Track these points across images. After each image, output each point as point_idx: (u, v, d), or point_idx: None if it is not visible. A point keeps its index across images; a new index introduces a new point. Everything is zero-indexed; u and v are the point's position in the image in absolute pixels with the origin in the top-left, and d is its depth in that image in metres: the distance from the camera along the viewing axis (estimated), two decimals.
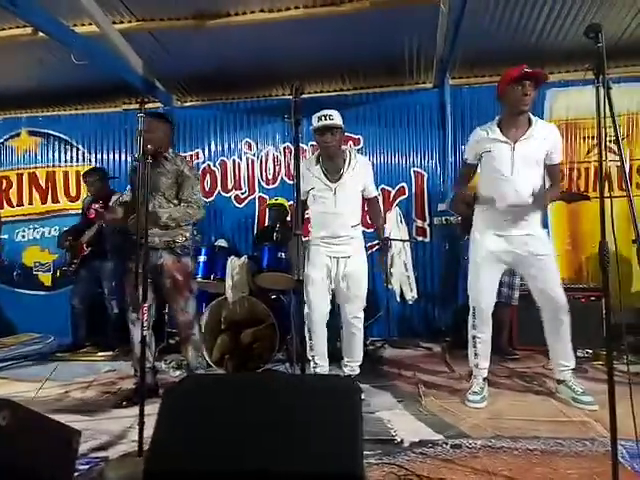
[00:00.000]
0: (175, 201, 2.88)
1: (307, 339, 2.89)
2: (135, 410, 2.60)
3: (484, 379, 2.80)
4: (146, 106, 5.40)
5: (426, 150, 4.90)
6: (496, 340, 2.98)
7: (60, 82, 4.89)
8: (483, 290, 2.74)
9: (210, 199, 5.10)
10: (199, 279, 3.64)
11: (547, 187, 2.71)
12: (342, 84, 5.15)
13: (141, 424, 1.97)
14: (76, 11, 3.68)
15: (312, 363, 2.93)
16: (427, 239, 4.81)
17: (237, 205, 5.12)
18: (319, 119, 2.79)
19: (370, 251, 4.68)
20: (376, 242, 4.67)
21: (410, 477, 1.88)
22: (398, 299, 4.38)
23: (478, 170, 2.82)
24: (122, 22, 4.02)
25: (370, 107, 4.95)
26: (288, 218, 4.46)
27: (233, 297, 3.53)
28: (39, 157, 5.41)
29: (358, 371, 2.97)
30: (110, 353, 4.16)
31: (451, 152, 4.80)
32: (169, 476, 1.08)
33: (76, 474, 1.70)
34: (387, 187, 4.87)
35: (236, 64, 4.61)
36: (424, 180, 4.87)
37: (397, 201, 4.83)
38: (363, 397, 2.81)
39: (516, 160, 2.60)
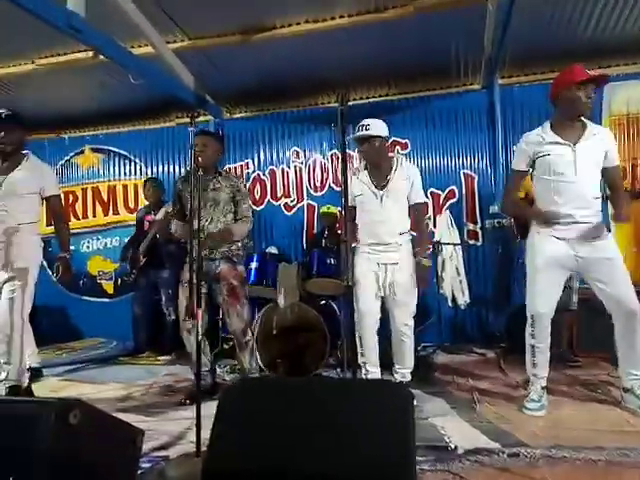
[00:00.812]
0: (230, 215, 3.01)
1: (358, 346, 2.89)
2: (193, 412, 2.73)
3: (543, 387, 2.69)
4: (198, 119, 5.62)
5: (476, 152, 4.81)
6: (555, 346, 2.86)
7: (119, 101, 5.19)
8: (541, 297, 2.61)
9: (260, 207, 5.23)
10: (252, 286, 3.75)
11: (611, 193, 2.62)
12: (388, 89, 5.15)
13: (198, 426, 2.04)
14: (133, 34, 3.90)
15: (363, 370, 2.94)
16: (479, 242, 4.71)
17: (286, 213, 5.21)
18: (357, 129, 2.83)
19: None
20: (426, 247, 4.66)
21: None
22: (450, 304, 4.30)
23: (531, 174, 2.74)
24: (175, 42, 4.22)
25: (417, 111, 4.92)
26: (337, 225, 4.50)
27: (284, 303, 3.60)
28: (101, 172, 5.74)
29: (410, 377, 2.95)
30: (168, 357, 4.33)
31: (502, 152, 4.68)
32: (225, 475, 1.12)
33: (139, 472, 1.79)
34: (436, 190, 4.81)
35: (282, 75, 4.72)
36: (474, 182, 4.77)
37: (447, 204, 4.76)
38: (415, 403, 2.79)
39: (578, 162, 2.51)
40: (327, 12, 3.86)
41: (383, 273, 2.87)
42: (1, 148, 2.92)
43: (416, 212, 2.98)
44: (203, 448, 1.98)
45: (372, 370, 2.92)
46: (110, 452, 1.48)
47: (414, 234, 3.01)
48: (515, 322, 3.11)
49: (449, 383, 3.29)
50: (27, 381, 2.97)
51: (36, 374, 3.64)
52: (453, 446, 2.20)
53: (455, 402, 2.85)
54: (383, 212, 2.85)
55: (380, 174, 2.90)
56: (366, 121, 2.84)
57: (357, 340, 2.88)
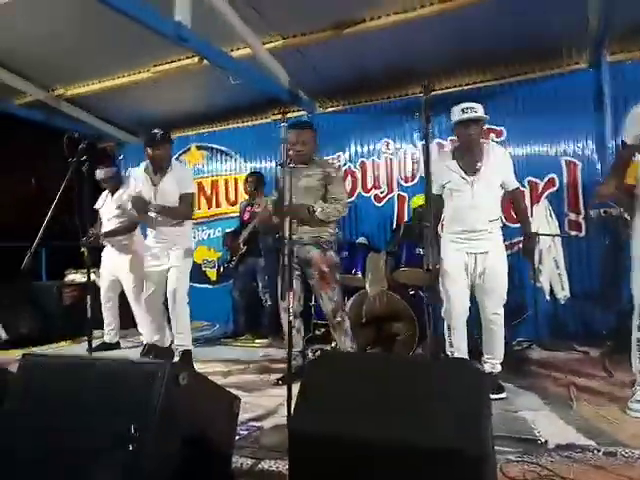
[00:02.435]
0: (320, 201, 3.08)
1: (446, 335, 2.89)
2: (285, 390, 2.92)
3: None
4: (291, 115, 5.87)
5: (580, 137, 4.49)
6: None
7: (220, 102, 5.57)
8: None
9: (351, 199, 5.32)
10: (341, 275, 3.88)
11: None
12: (482, 75, 4.97)
13: (289, 400, 2.20)
14: (232, 38, 4.17)
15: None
16: (582, 233, 4.40)
17: (377, 204, 5.26)
18: (463, 111, 2.76)
19: (515, 248, 4.53)
20: (521, 238, 4.46)
21: (554, 478, 1.80)
22: (548, 297, 4.08)
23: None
24: (270, 42, 4.44)
25: (514, 96, 4.70)
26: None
27: (372, 292, 3.68)
28: (205, 168, 6.20)
29: (499, 369, 2.88)
30: (265, 340, 4.62)
31: (611, 137, 4.31)
32: (307, 438, 1.24)
33: (237, 437, 1.98)
34: (534, 179, 4.57)
35: (373, 67, 4.76)
36: (577, 170, 4.47)
37: (546, 194, 4.50)
38: (505, 395, 2.74)
39: None
40: (415, 2, 3.83)
41: (473, 262, 2.84)
42: (159, 163, 3.48)
43: (516, 198, 2.91)
44: None
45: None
46: (211, 413, 1.68)
47: (507, 223, 2.93)
48: (625, 320, 2.89)
49: (544, 378, 3.16)
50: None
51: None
52: (543, 440, 2.14)
53: (549, 398, 2.75)
54: (474, 199, 2.80)
55: (471, 160, 2.84)
56: (470, 104, 2.78)
57: (446, 330, 2.88)
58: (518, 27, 4.01)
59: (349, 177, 5.40)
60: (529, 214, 3.53)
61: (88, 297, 3.63)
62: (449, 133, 4.85)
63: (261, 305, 4.78)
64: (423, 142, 4.94)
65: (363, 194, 5.32)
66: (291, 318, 2.34)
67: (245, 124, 6.15)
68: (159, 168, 3.50)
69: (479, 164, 2.82)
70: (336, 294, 3.13)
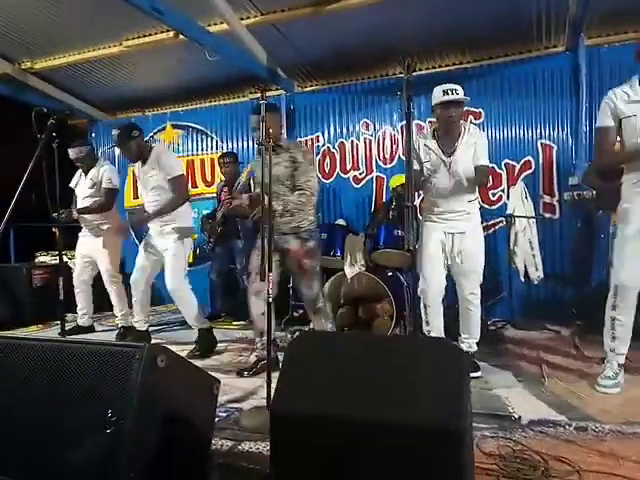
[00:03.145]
0: (291, 190, 2.95)
1: (422, 315, 2.91)
2: (264, 373, 2.93)
3: (620, 365, 2.58)
4: (269, 94, 5.74)
5: (556, 120, 4.54)
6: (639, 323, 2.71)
7: (196, 79, 5.42)
8: (630, 267, 2.46)
9: (330, 180, 5.30)
10: (321, 256, 3.88)
11: None
12: (462, 57, 4.96)
13: (269, 382, 2.21)
14: (209, 12, 4.05)
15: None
16: (556, 216, 4.49)
17: (355, 185, 5.25)
18: (444, 93, 2.73)
19: (492, 229, 4.60)
20: (499, 219, 4.53)
21: (527, 453, 1.85)
22: (522, 279, 4.17)
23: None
24: (248, 17, 4.33)
25: (492, 78, 4.71)
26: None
27: (350, 273, 3.69)
28: (181, 148, 6.06)
29: (475, 348, 2.94)
30: (242, 322, 4.60)
31: (586, 120, 4.37)
32: (289, 418, 1.24)
33: (216, 419, 1.98)
34: (511, 162, 4.63)
35: (353, 46, 4.69)
36: (553, 153, 4.53)
37: (522, 176, 4.56)
38: (480, 374, 2.80)
39: None
40: None
41: (450, 242, 2.86)
42: (135, 157, 3.50)
43: (478, 172, 2.82)
44: None
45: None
46: (191, 395, 1.66)
47: (484, 205, 2.95)
48: (595, 301, 2.97)
49: (518, 357, 3.24)
50: None
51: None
52: (517, 416, 2.20)
53: (522, 375, 2.83)
54: (451, 179, 2.81)
55: (450, 141, 2.85)
56: (452, 85, 2.76)
57: (422, 309, 2.90)
58: (497, 8, 4.00)
59: (328, 158, 5.36)
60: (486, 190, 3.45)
61: (60, 279, 3.56)
62: (427, 114, 4.84)
63: (238, 287, 4.75)
64: (403, 122, 5.00)
65: (342, 175, 5.30)
66: (270, 301, 2.33)
67: (222, 102, 6.03)
68: (140, 160, 3.47)
69: (456, 144, 2.83)
70: (315, 283, 3.06)
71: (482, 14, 4.07)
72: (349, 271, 3.67)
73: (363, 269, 3.69)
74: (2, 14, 4.29)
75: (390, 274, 3.92)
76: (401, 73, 5.21)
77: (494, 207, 4.63)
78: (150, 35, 4.58)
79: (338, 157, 5.31)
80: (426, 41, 4.57)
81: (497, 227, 4.59)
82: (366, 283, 3.76)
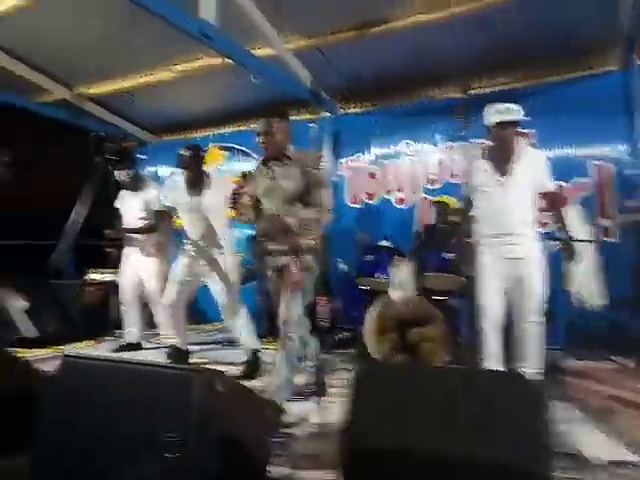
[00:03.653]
0: (299, 205, 2.62)
1: (478, 341, 2.81)
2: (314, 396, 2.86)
3: None
4: (312, 116, 5.78)
5: (610, 140, 4.36)
6: None
7: (241, 101, 5.53)
8: None
9: (372, 201, 5.25)
10: (365, 278, 3.82)
11: None
12: (511, 77, 4.85)
13: (322, 410, 2.14)
14: (254, 36, 4.13)
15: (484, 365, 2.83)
16: (614, 239, 4.27)
17: (398, 206, 5.17)
18: (499, 112, 2.69)
19: (547, 252, 4.40)
20: (553, 242, 4.33)
21: None
22: (580, 305, 3.96)
23: None
24: (293, 42, 4.39)
25: (542, 99, 4.56)
26: (452, 217, 4.39)
27: (397, 296, 3.59)
28: (225, 168, 6.13)
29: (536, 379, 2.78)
30: None
31: None
32: (364, 452, 1.17)
33: None
34: (564, 183, 4.45)
35: (396, 68, 4.69)
36: (608, 173, 4.34)
37: (576, 197, 4.38)
38: None
39: None
40: (442, 2, 3.75)
41: (507, 268, 2.74)
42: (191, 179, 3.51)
43: (547, 201, 2.80)
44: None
45: (493, 367, 2.81)
46: (248, 420, 1.61)
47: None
48: None
49: (581, 389, 3.05)
50: None
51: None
52: (588, 456, 2.04)
53: (589, 410, 2.65)
54: (506, 200, 2.72)
55: (504, 161, 2.76)
56: (508, 105, 2.71)
57: (479, 337, 2.79)
58: (548, 28, 3.92)
59: (370, 179, 5.32)
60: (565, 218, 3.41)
61: (112, 297, 3.63)
62: (474, 135, 4.77)
63: None
64: (449, 143, 4.92)
65: (385, 196, 5.24)
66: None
67: None
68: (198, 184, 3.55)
69: (512, 165, 2.75)
70: (295, 303, 2.59)
71: (529, 34, 4.00)
72: (396, 294, 3.57)
73: (412, 292, 3.58)
74: (61, 43, 4.51)
75: (438, 298, 3.80)
76: (444, 94, 5.18)
77: (547, 230, 4.45)
78: (198, 60, 4.72)
79: (381, 178, 5.27)
80: (472, 62, 4.51)
81: (551, 250, 4.40)
82: (413, 306, 3.64)
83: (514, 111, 2.68)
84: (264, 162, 2.72)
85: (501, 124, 2.68)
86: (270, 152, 2.64)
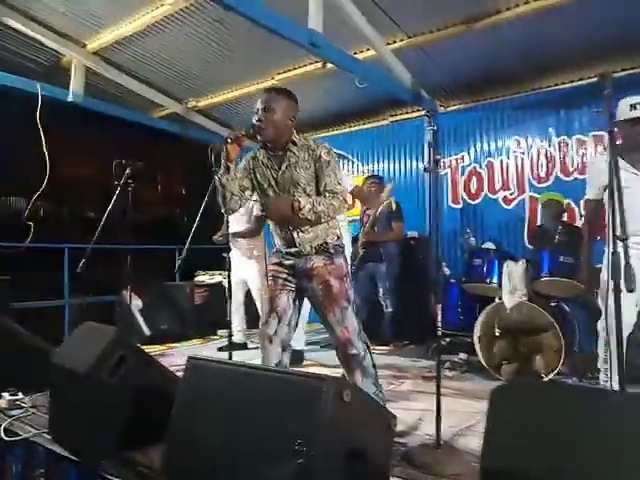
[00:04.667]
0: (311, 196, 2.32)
1: (600, 352, 2.64)
2: (424, 403, 2.80)
3: None
4: (411, 115, 5.67)
5: None
6: None
7: (339, 105, 5.59)
8: None
9: (477, 201, 5.05)
10: (473, 283, 3.68)
11: None
12: (633, 62, 4.41)
13: (438, 419, 2.09)
14: (357, 40, 4.14)
15: (602, 376, 2.66)
16: None
17: (505, 206, 4.92)
18: (632, 107, 2.50)
19: None
20: None
21: None
22: None
23: None
24: (395, 42, 4.34)
25: None
26: (564, 217, 4.11)
27: (510, 302, 3.41)
28: None
29: None
30: (386, 348, 4.51)
31: None
32: (504, 472, 1.11)
33: None
34: None
35: (503, 61, 4.46)
36: None
37: None
38: None
39: None
40: None
41: None
42: None
43: None
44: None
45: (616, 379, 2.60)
46: (370, 430, 1.61)
47: None
48: None
49: None
50: None
51: None
52: None
53: None
54: None
55: (638, 156, 2.56)
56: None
57: (601, 346, 2.63)
58: None
59: (474, 178, 5.11)
60: None
61: (219, 298, 3.83)
62: (590, 129, 4.41)
63: (382, 311, 4.69)
64: (561, 138, 4.58)
65: (490, 195, 5.01)
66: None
67: (362, 127, 6.12)
68: None
69: None
70: (348, 317, 2.31)
71: None
72: (508, 300, 3.39)
73: (524, 298, 3.39)
74: (173, 61, 4.87)
75: (555, 304, 3.56)
76: (556, 85, 4.83)
77: None
78: (299, 67, 4.84)
79: (486, 177, 5.04)
80: (587, 49, 4.16)
81: None
82: (527, 313, 3.44)
83: None
84: (265, 148, 2.36)
85: (633, 120, 2.52)
86: (268, 133, 2.24)
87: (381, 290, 4.69)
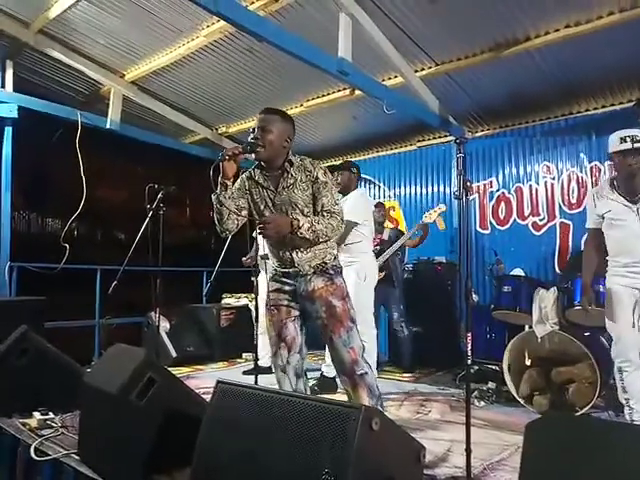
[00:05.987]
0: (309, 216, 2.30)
1: (617, 380, 2.67)
2: (450, 433, 2.74)
3: None
4: (438, 140, 5.69)
5: None
6: None
7: (367, 131, 5.65)
8: None
9: (505, 227, 4.99)
10: (502, 311, 3.61)
11: None
12: None
13: (468, 451, 2.03)
14: (385, 67, 4.21)
15: (626, 408, 2.64)
16: None
17: (535, 233, 4.84)
18: (622, 140, 2.56)
19: None
20: None
21: None
22: None
23: None
24: (423, 69, 4.39)
25: None
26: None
27: (541, 331, 3.32)
28: None
29: None
30: (411, 374, 4.43)
31: None
32: None
33: None
34: None
35: (531, 87, 4.45)
36: None
37: None
38: None
39: None
40: (592, 12, 3.49)
41: None
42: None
43: None
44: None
45: (638, 409, 2.58)
46: (399, 461, 1.58)
47: None
48: None
49: None
50: None
51: None
52: None
53: None
54: None
55: (633, 188, 2.63)
56: (629, 131, 2.59)
57: (616, 373, 2.67)
58: None
59: (502, 203, 5.06)
60: None
61: (245, 321, 3.84)
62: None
63: (396, 335, 4.63)
64: (596, 164, 4.52)
65: (519, 221, 4.94)
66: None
67: (389, 152, 6.15)
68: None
69: None
70: (353, 337, 2.29)
71: None
72: (540, 329, 3.31)
73: (556, 327, 3.30)
74: (205, 89, 5.03)
75: (588, 334, 3.44)
76: (587, 110, 4.77)
77: None
78: (328, 94, 4.93)
79: (515, 202, 4.99)
80: (619, 75, 4.13)
81: None
82: (560, 343, 3.34)
83: (637, 138, 2.52)
84: (260, 168, 2.32)
85: (622, 152, 2.57)
86: (263, 152, 2.20)
87: (396, 315, 4.61)
